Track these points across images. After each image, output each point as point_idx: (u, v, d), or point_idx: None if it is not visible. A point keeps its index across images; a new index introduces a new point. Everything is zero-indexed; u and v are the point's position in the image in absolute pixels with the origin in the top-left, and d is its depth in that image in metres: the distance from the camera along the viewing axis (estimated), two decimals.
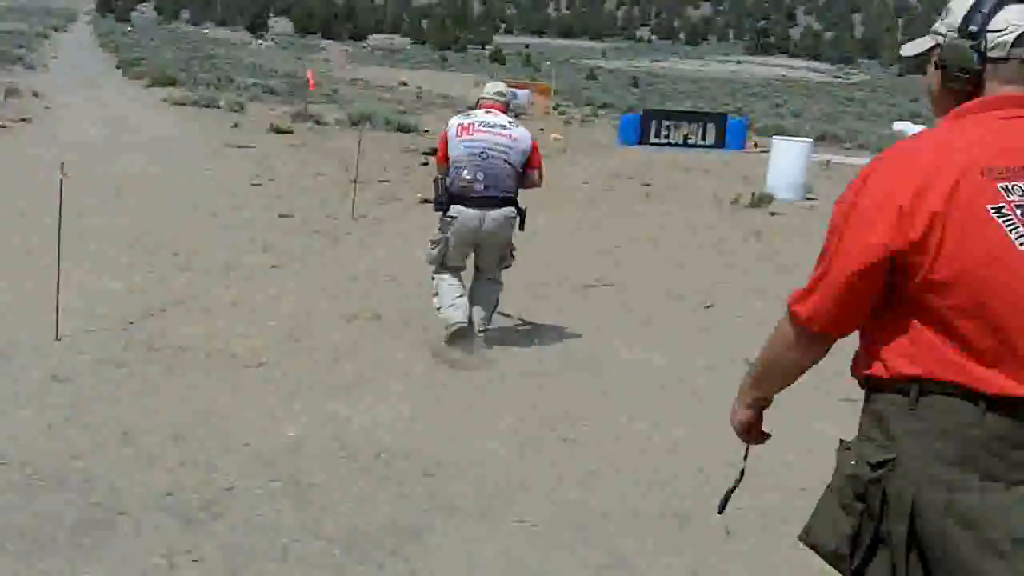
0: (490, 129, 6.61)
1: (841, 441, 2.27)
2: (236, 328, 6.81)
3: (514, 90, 36.34)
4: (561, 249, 10.43)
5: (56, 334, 6.25)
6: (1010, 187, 2.03)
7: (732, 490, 2.57)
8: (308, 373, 6.03)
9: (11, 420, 4.99)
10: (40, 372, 5.69)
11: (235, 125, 22.18)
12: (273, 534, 4.00)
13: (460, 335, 6.56)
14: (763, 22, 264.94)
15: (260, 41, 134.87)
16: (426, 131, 25.35)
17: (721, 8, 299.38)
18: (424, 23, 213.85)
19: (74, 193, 10.24)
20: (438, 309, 6.70)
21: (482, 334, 6.71)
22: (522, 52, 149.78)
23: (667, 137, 29.19)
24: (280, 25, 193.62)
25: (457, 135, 6.63)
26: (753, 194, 14.77)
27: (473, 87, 59.19)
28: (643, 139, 29.06)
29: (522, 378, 6.19)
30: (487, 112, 6.75)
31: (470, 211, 6.53)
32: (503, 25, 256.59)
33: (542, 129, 29.65)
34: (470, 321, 6.64)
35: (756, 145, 30.78)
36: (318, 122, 24.79)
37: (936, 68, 2.22)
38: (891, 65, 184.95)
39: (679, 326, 7.71)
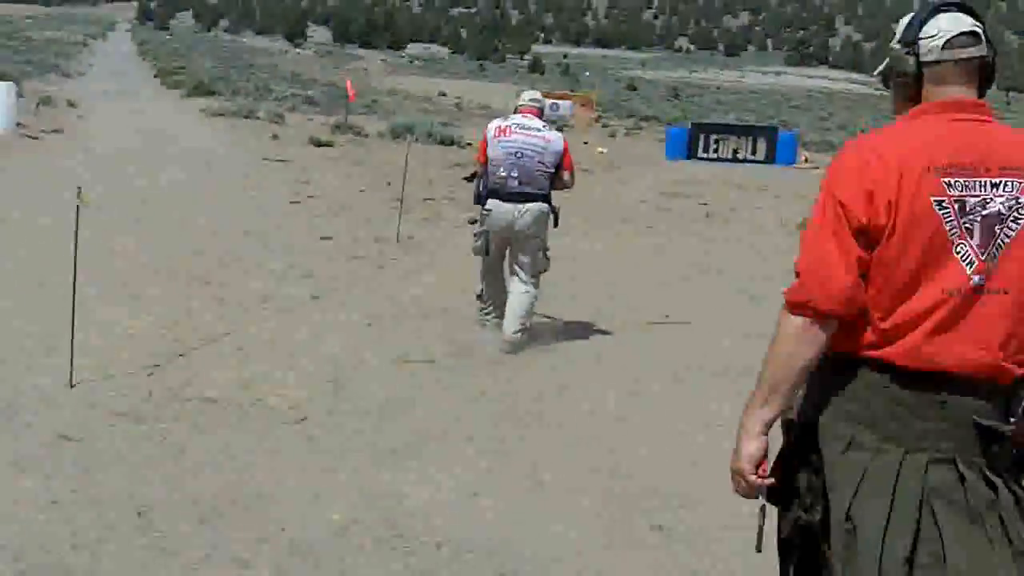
0: (525, 131, 7.11)
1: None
2: (273, 375, 6.05)
3: (556, 101, 35.88)
4: (624, 279, 9.65)
5: (70, 380, 5.52)
6: (951, 182, 2.27)
7: (761, 528, 2.49)
8: (355, 433, 5.26)
9: (9, 492, 4.26)
10: (48, 429, 4.96)
11: (274, 137, 21.56)
12: None
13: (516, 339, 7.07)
14: (802, 32, 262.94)
15: (299, 50, 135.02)
16: (468, 144, 24.58)
17: (760, 18, 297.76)
18: (462, 32, 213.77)
19: (101, 210, 9.61)
20: (479, 307, 7.46)
21: (517, 335, 7.08)
22: (560, 62, 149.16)
23: (716, 151, 28.35)
24: (319, 34, 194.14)
25: (495, 136, 7.14)
26: None
27: (514, 98, 58.98)
28: (691, 153, 28.28)
29: (598, 440, 5.38)
30: (524, 116, 7.26)
31: (506, 205, 7.04)
32: (541, 34, 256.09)
33: (586, 142, 28.91)
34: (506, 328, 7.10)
35: (807, 160, 29.85)
36: (358, 134, 24.15)
37: (888, 79, 2.51)
38: None
39: None
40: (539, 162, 7.06)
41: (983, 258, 2.26)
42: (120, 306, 7.26)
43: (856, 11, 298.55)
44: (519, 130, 7.12)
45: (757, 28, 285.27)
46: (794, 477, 2.42)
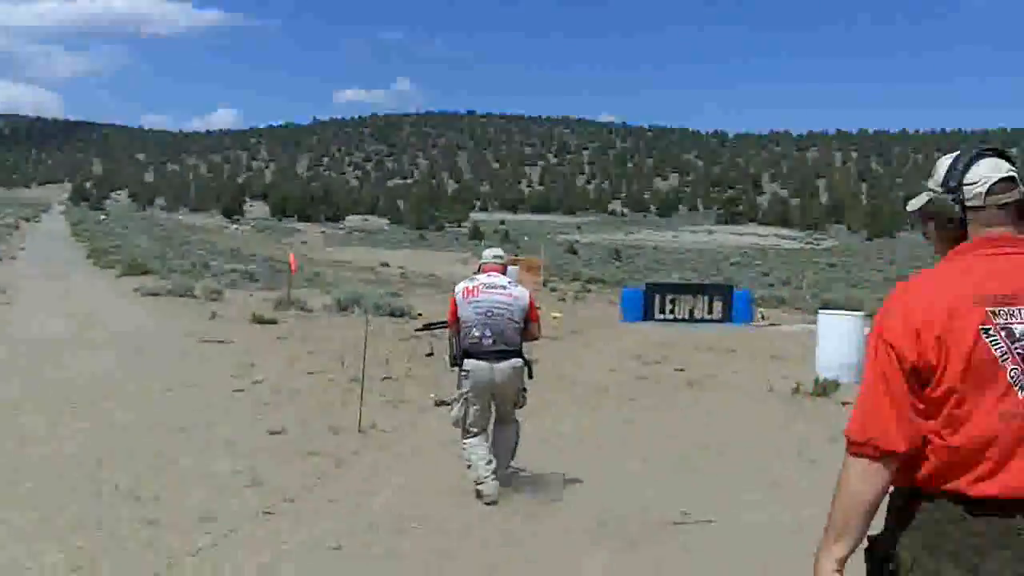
0: (492, 290, 7.40)
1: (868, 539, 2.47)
2: None
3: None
4: (626, 468, 8.38)
5: None
6: (997, 311, 2.37)
7: None
8: None
9: None
10: None
11: (213, 316, 20.27)
12: None
13: (491, 500, 7.10)
14: (730, 191, 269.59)
15: (236, 226, 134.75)
16: (419, 314, 23.54)
17: (689, 179, 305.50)
18: (399, 204, 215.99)
19: (17, 409, 8.28)
20: (475, 481, 7.24)
21: (507, 471, 7.53)
22: (499, 228, 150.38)
23: (672, 312, 27.69)
24: (256, 209, 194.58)
25: (464, 298, 7.41)
26: (816, 380, 12.81)
27: (458, 264, 58.10)
28: (647, 315, 27.59)
29: None
30: (488, 275, 7.54)
31: (482, 363, 7.28)
32: (478, 202, 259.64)
33: (539, 308, 28.00)
34: (496, 497, 7.14)
35: (763, 317, 29.23)
36: (303, 308, 22.98)
37: (930, 218, 2.61)
38: (859, 230, 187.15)
39: None
40: (508, 319, 7.33)
41: None
42: (28, 539, 5.85)
43: (781, 170, 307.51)
44: (486, 289, 7.42)
45: (686, 189, 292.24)
46: None
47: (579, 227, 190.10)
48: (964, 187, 2.49)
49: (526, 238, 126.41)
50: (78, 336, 16.14)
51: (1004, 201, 2.49)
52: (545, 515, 6.86)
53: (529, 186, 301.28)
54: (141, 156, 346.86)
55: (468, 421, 7.39)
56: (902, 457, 2.38)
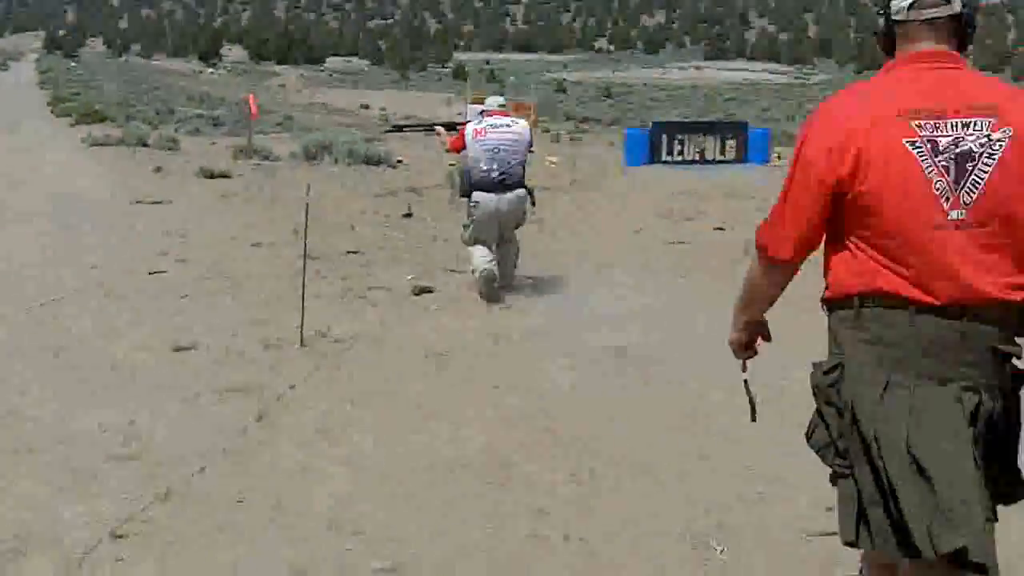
0: (497, 130, 8.16)
1: (812, 364, 2.60)
2: None
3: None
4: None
5: None
6: (922, 124, 2.41)
7: (752, 401, 2.94)
8: None
9: None
10: None
11: (158, 169, 17.27)
12: None
13: (490, 280, 7.94)
14: (718, 27, 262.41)
15: (212, 70, 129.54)
16: (399, 161, 20.56)
17: (676, 14, 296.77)
18: (381, 44, 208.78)
19: None
20: (472, 271, 8.09)
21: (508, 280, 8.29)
22: (484, 68, 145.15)
23: (680, 154, 24.77)
24: (234, 54, 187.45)
25: (473, 138, 8.13)
26: None
27: (441, 105, 54.87)
28: (654, 157, 24.76)
29: None
30: (494, 118, 8.29)
31: (489, 195, 8.05)
32: (461, 42, 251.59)
33: (532, 151, 25.19)
34: (496, 278, 7.99)
35: (780, 157, 26.45)
36: (266, 158, 20.00)
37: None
38: (847, 63, 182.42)
39: None
40: (513, 153, 8.09)
41: (958, 193, 2.40)
42: None
43: (768, 5, 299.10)
44: (492, 130, 8.13)
45: (673, 25, 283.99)
46: (825, 424, 2.58)
47: (565, 65, 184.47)
48: (891, 3, 2.53)
49: (512, 78, 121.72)
50: None
51: (930, 16, 2.49)
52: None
53: (513, 24, 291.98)
54: (115, 2, 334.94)
55: (477, 238, 8.11)
56: (792, 263, 2.58)
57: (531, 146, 8.36)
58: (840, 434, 2.51)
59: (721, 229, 11.92)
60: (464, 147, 8.23)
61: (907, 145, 2.37)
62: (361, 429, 5.06)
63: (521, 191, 8.14)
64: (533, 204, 8.41)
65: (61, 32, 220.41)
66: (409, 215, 12.51)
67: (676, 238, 11.42)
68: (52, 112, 39.97)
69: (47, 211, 12.35)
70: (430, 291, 8.23)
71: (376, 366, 6.19)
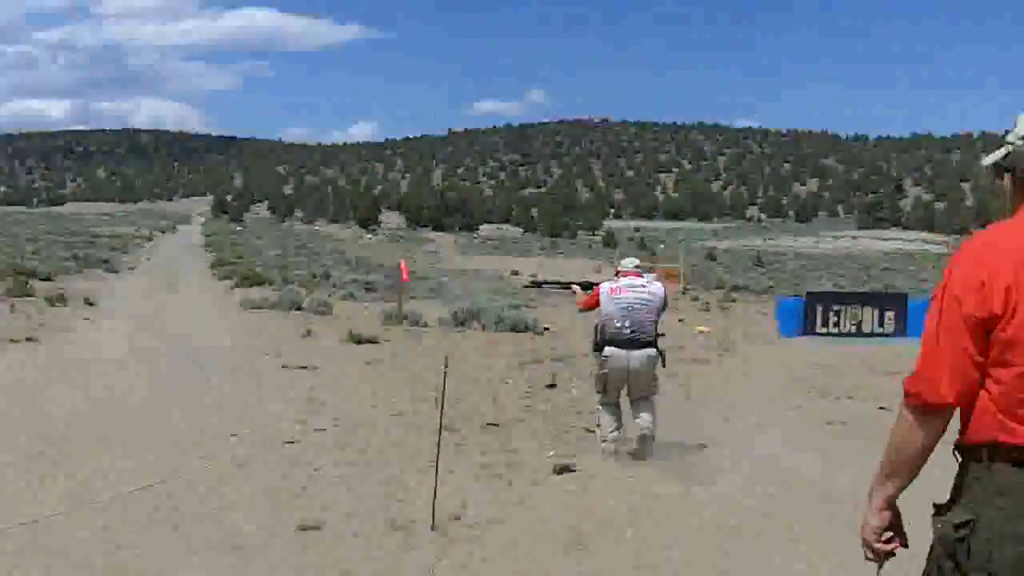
0: (634, 289, 8.44)
1: (934, 505, 2.43)
2: None
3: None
4: None
5: None
6: None
7: None
8: None
9: None
10: None
11: (307, 334, 17.48)
12: None
13: (610, 453, 8.16)
14: (872, 196, 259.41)
15: (370, 235, 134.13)
16: (546, 328, 20.38)
17: (828, 183, 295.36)
18: (533, 212, 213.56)
19: None
20: (599, 435, 8.39)
21: (649, 434, 8.21)
22: (633, 236, 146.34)
23: (836, 325, 23.93)
24: (392, 220, 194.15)
25: (608, 295, 8.42)
26: None
27: (591, 272, 55.19)
28: (808, 328, 24.00)
29: None
30: (629, 279, 8.58)
31: (620, 351, 8.25)
32: (612, 210, 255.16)
33: (681, 320, 24.73)
34: (639, 430, 8.22)
35: None
36: (416, 323, 20.08)
37: (1007, 171, 2.53)
38: None
39: None
40: (647, 312, 8.33)
41: None
42: None
43: (924, 172, 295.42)
44: (627, 288, 8.44)
45: (825, 194, 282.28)
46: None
47: (715, 233, 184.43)
48: None
49: (662, 245, 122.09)
50: (143, 358, 13.52)
51: None
52: None
53: (663, 193, 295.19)
54: (281, 169, 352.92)
55: (607, 389, 8.36)
56: (951, 409, 2.40)
57: (664, 307, 8.52)
58: None
59: (885, 408, 11.17)
60: (596, 304, 8.49)
61: None
62: None
63: (652, 350, 8.30)
64: (664, 365, 8.53)
65: (228, 196, 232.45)
66: (553, 385, 12.17)
67: (835, 418, 10.73)
68: (214, 275, 41.58)
69: (190, 365, 12.48)
70: (572, 470, 7.78)
71: (510, 556, 5.74)
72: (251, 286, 32.29)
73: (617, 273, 8.76)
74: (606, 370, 8.25)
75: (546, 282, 10.13)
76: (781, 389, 12.86)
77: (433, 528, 6.03)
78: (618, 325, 8.21)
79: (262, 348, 15.50)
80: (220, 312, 22.34)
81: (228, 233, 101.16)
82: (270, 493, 6.89)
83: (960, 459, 2.45)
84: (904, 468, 2.47)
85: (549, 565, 5.51)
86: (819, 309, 24.30)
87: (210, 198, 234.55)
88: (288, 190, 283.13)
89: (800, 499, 7.05)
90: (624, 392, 8.42)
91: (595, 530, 6.16)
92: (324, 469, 7.59)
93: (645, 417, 8.23)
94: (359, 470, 7.62)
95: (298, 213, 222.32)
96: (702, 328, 23.30)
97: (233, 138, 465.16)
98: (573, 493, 7.16)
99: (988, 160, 2.60)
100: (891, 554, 2.54)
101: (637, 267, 8.81)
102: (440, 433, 6.60)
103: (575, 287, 9.68)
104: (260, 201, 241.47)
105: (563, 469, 7.71)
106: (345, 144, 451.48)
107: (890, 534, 2.54)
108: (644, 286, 8.43)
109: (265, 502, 6.63)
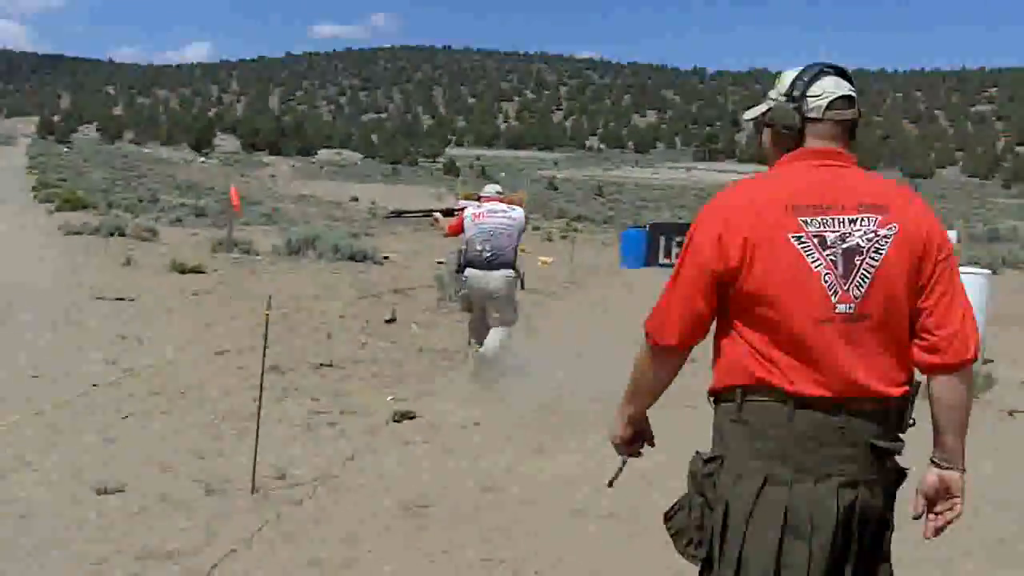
0: (494, 215, 8.73)
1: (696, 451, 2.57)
2: None
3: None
4: None
5: None
6: (809, 220, 2.41)
7: (618, 471, 2.86)
8: None
9: None
10: None
11: (127, 262, 16.25)
12: None
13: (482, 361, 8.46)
14: (708, 129, 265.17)
15: (203, 159, 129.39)
16: (386, 258, 19.62)
17: (667, 116, 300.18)
18: (374, 137, 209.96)
19: None
20: (469, 342, 8.96)
21: (494, 350, 8.46)
22: (474, 163, 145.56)
23: (679, 255, 24.04)
24: (227, 143, 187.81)
25: (472, 220, 8.70)
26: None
27: (432, 199, 54.26)
28: (650, 259, 24.01)
29: None
30: (490, 203, 8.87)
31: (479, 272, 8.58)
32: (453, 137, 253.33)
33: (524, 249, 24.36)
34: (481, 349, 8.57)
35: None
36: (246, 251, 19.03)
37: (767, 127, 2.61)
38: None
39: None
40: (507, 236, 8.66)
41: (846, 288, 2.39)
42: None
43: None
44: (490, 215, 8.72)
45: (664, 126, 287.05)
46: (689, 510, 2.54)
47: (556, 163, 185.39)
48: (807, 98, 2.53)
49: (503, 174, 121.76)
50: None
51: (840, 118, 2.54)
52: None
53: (505, 121, 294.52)
54: (110, 89, 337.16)
55: (472, 314, 8.82)
56: (679, 351, 2.51)
57: (523, 231, 8.79)
58: (700, 526, 2.51)
59: None
60: (463, 230, 8.72)
61: (792, 239, 2.39)
62: None
63: (510, 271, 8.58)
64: (523, 287, 8.86)
65: (55, 117, 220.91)
66: (393, 320, 11.48)
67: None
68: (35, 198, 39.07)
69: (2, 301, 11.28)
70: (412, 417, 7.12)
71: (339, 522, 5.05)
72: (73, 210, 30.43)
73: (479, 198, 9.02)
74: (466, 290, 8.63)
75: (407, 211, 9.59)
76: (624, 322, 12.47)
77: (254, 491, 5.27)
78: (479, 248, 8.51)
79: (75, 277, 14.28)
80: (37, 239, 20.70)
81: (54, 156, 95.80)
82: (67, 448, 6.00)
83: (714, 403, 2.53)
84: (641, 396, 2.62)
85: (385, 531, 4.85)
86: (662, 240, 24.31)
87: (36, 119, 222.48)
88: (118, 111, 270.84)
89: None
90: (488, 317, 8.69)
91: (438, 489, 5.52)
92: (132, 418, 6.72)
93: (491, 339, 8.49)
94: (173, 420, 6.76)
95: (129, 135, 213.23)
96: (544, 259, 22.94)
97: (61, 56, 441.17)
98: (414, 444, 6.48)
99: (749, 115, 2.66)
100: (638, 453, 2.78)
101: (498, 192, 9.17)
102: (262, 387, 5.77)
103: (437, 214, 9.50)
104: (89, 123, 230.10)
105: (403, 416, 7.03)
106: (179, 65, 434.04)
107: (631, 449, 2.75)
108: (505, 211, 8.70)
109: (60, 460, 5.75)
